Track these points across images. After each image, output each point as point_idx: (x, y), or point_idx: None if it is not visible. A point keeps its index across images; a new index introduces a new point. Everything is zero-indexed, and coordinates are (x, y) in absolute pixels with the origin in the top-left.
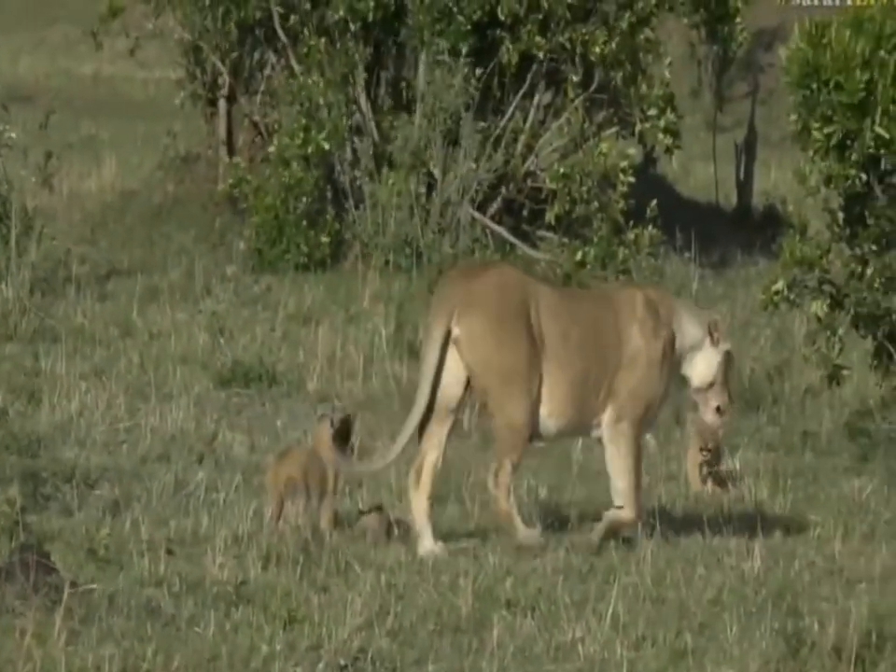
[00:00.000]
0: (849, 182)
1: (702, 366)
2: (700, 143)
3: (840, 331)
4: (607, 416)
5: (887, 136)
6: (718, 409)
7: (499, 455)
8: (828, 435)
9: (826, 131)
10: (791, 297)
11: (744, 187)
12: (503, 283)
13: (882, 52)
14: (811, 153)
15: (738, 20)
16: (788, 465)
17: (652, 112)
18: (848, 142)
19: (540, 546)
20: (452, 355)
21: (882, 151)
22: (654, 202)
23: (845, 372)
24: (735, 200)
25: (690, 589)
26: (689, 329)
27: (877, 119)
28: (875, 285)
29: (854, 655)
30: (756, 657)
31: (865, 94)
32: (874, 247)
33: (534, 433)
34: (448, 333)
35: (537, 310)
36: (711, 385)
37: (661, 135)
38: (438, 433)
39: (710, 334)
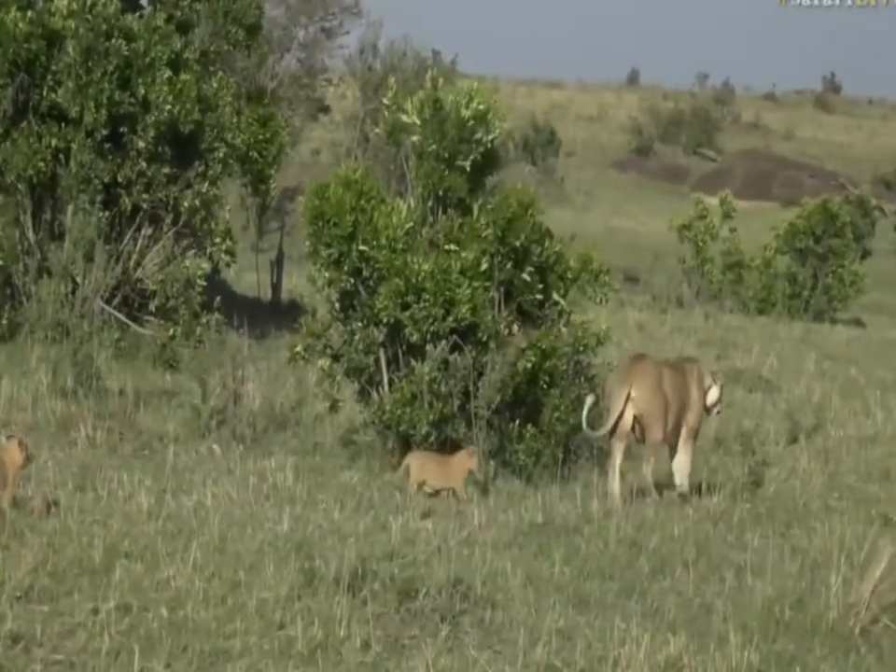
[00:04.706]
0: (343, 284)
1: (713, 395)
2: (248, 259)
3: (337, 378)
4: (683, 433)
5: (368, 252)
6: (717, 412)
7: (648, 455)
8: (330, 444)
9: (327, 252)
10: (307, 356)
11: (276, 287)
12: (653, 365)
13: (363, 202)
14: (319, 265)
15: (272, 181)
16: (305, 464)
17: (218, 240)
18: (342, 258)
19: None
20: (629, 406)
21: (363, 265)
22: (219, 297)
23: (340, 404)
24: (270, 295)
25: (242, 542)
26: (707, 378)
27: (360, 243)
28: (360, 348)
29: (348, 584)
30: (284, 586)
31: (352, 229)
32: (360, 324)
33: (662, 442)
34: (629, 393)
35: (668, 381)
36: (716, 403)
37: (223, 255)
38: (621, 446)
39: (715, 380)
